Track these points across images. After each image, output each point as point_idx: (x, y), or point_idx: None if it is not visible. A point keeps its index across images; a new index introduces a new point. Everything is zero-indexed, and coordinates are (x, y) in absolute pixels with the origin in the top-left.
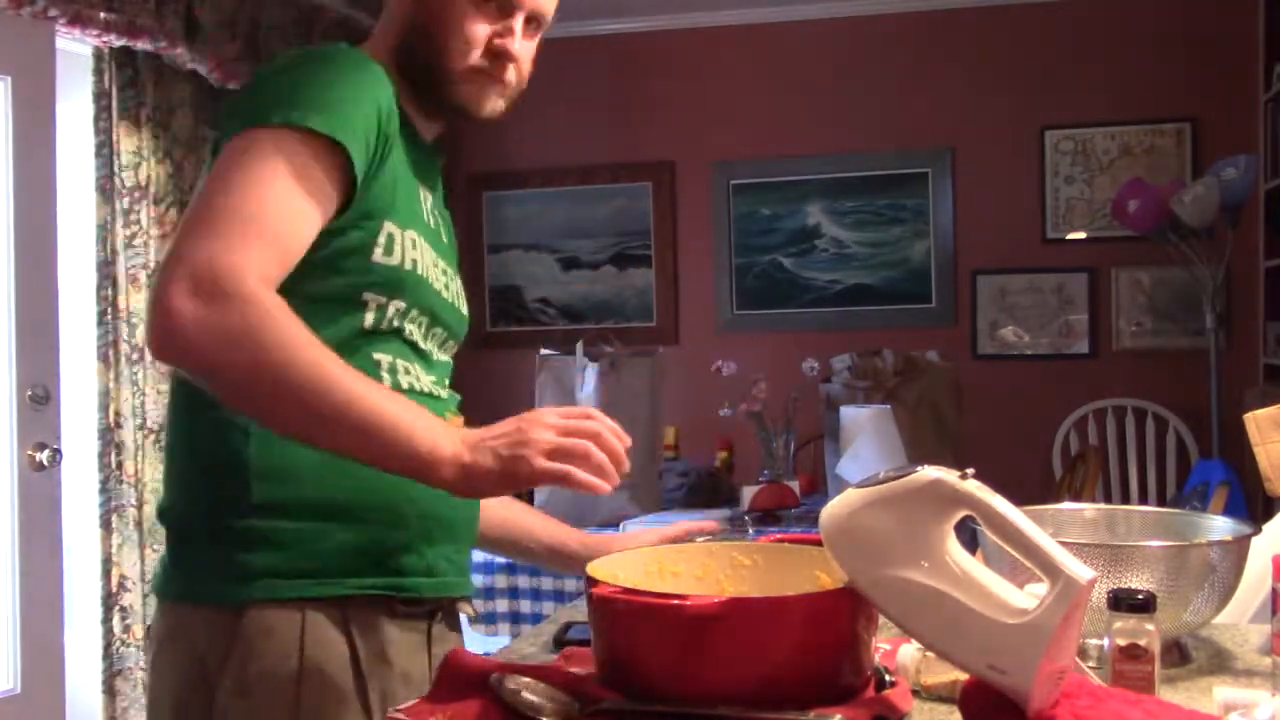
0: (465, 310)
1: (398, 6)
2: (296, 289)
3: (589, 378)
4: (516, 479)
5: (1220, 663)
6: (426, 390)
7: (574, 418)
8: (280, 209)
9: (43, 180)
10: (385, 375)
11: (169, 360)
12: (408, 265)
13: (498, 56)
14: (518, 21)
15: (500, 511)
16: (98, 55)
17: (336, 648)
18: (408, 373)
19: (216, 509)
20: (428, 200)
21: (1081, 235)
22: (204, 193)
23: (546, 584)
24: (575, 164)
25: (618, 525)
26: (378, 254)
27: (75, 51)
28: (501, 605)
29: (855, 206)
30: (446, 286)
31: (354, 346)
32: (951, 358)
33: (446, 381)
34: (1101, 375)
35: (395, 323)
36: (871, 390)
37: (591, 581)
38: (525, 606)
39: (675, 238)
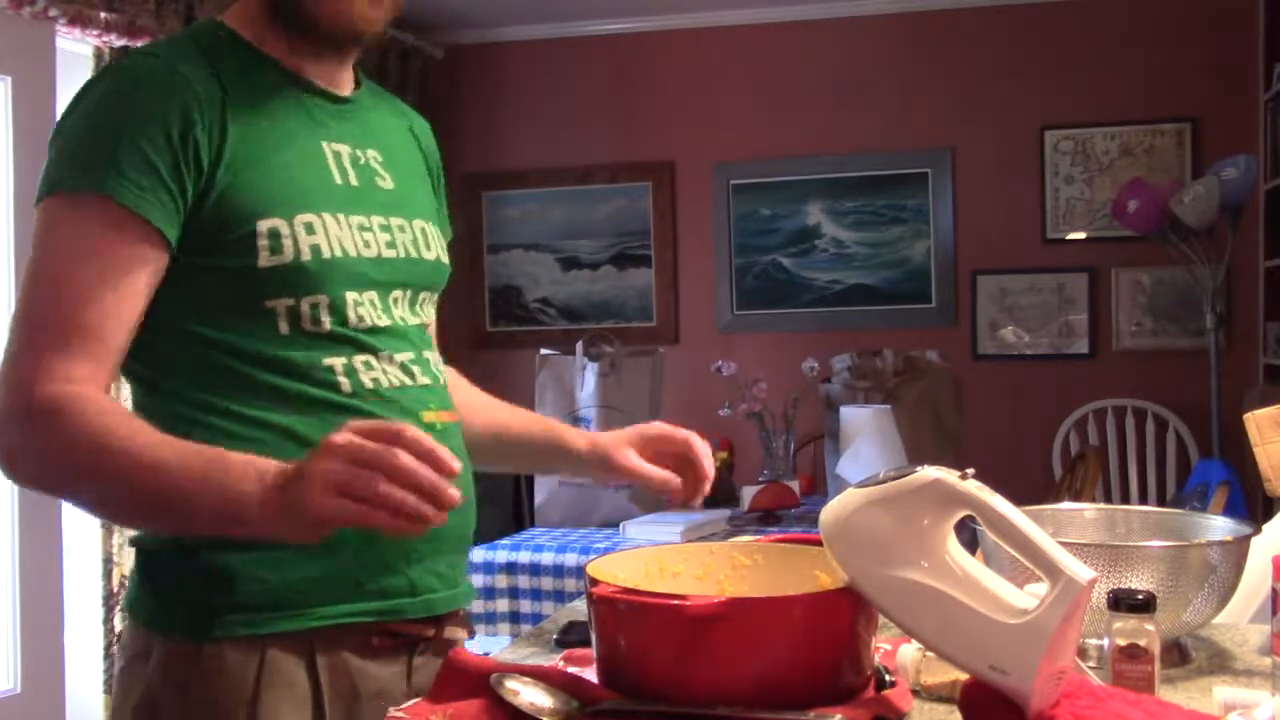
0: (431, 253)
1: None
2: (204, 329)
3: (589, 378)
4: (303, 521)
5: (1220, 663)
6: (396, 383)
7: (375, 437)
8: (77, 298)
9: None
10: (344, 380)
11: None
12: (305, 256)
13: None
14: None
15: (488, 415)
16: (98, 55)
17: (297, 690)
18: (370, 367)
19: (181, 545)
20: (342, 154)
21: (1081, 235)
22: (19, 291)
23: (546, 584)
24: (575, 164)
25: (617, 525)
26: (264, 258)
27: (75, 51)
28: (501, 605)
29: (855, 206)
30: (391, 242)
31: (298, 362)
32: (951, 358)
33: (427, 352)
34: (1101, 375)
35: (327, 320)
36: (871, 390)
37: (591, 581)
38: (525, 606)
39: (675, 238)
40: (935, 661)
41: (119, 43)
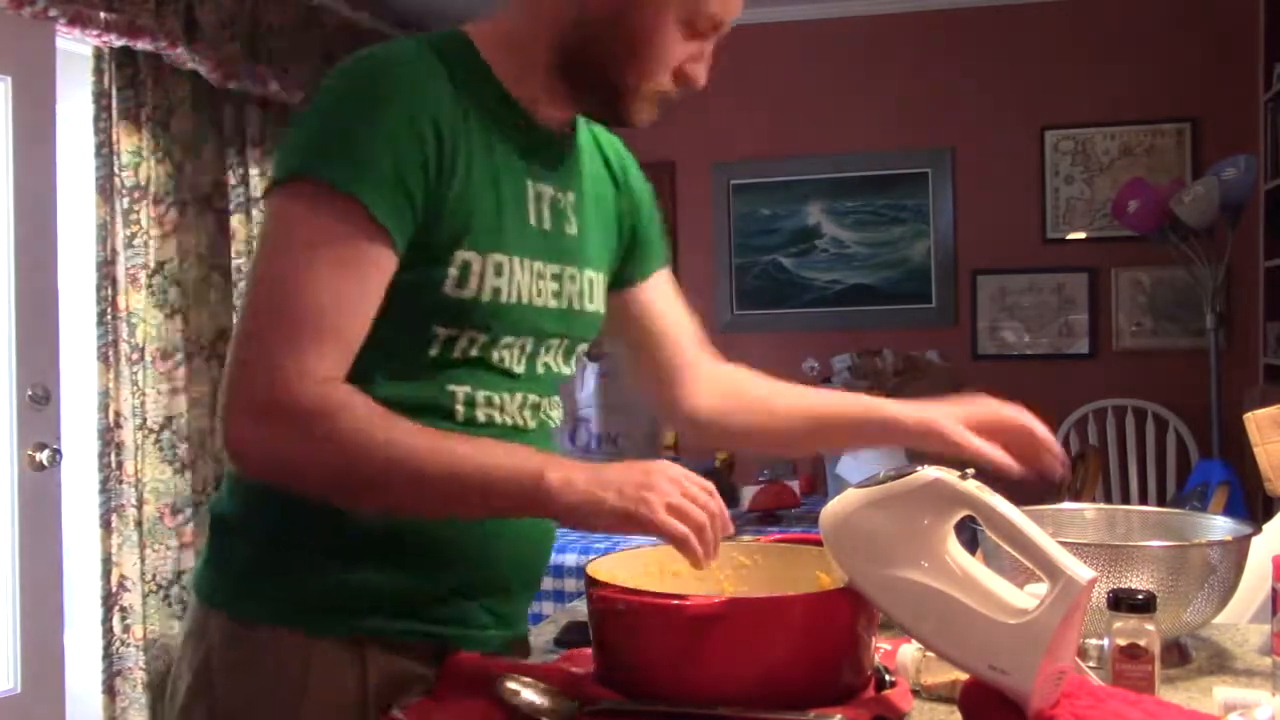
0: (594, 305)
1: (558, 1)
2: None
3: (589, 378)
4: (633, 521)
5: (1220, 663)
6: (510, 423)
7: (697, 486)
8: (329, 297)
9: (43, 180)
10: (460, 408)
11: (253, 479)
12: (486, 296)
13: (683, 79)
14: (710, 44)
15: (792, 402)
16: (98, 55)
17: (345, 680)
18: (490, 404)
19: (256, 526)
20: (543, 196)
21: (1081, 235)
22: (252, 283)
23: (547, 584)
24: None
25: None
26: (448, 287)
27: (75, 51)
28: None
29: (855, 206)
30: (560, 293)
31: (423, 378)
32: (951, 358)
33: (549, 397)
34: (1101, 375)
35: (474, 353)
36: (871, 390)
37: (591, 581)
38: None
39: (675, 238)
40: (935, 661)
41: (119, 43)
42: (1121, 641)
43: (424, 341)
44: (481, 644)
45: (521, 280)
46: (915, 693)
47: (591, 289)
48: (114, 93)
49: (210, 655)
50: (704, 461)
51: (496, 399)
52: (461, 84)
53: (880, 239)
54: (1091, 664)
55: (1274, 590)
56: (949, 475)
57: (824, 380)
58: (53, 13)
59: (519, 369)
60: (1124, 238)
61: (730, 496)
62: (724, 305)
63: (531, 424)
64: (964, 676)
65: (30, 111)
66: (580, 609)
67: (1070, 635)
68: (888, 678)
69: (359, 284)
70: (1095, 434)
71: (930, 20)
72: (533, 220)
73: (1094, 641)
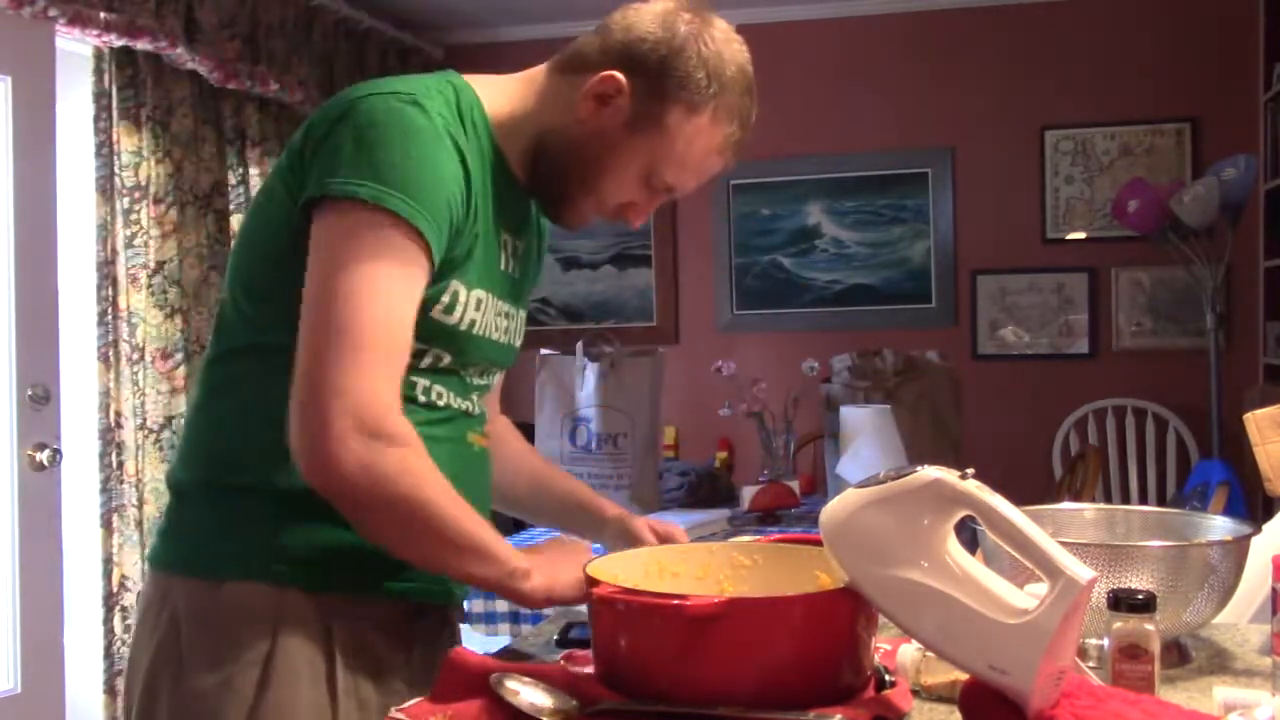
0: (520, 340)
1: (558, 101)
2: None
3: (589, 377)
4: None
5: (1220, 663)
6: (457, 407)
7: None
8: (399, 323)
9: (43, 180)
10: (420, 395)
11: (322, 490)
12: (464, 325)
13: (617, 215)
14: (657, 201)
15: (531, 467)
16: (98, 55)
17: (311, 632)
18: (440, 397)
19: (215, 484)
20: (507, 243)
21: (1081, 235)
22: (329, 299)
23: None
24: None
25: None
26: (436, 311)
27: (75, 51)
28: (501, 605)
29: (855, 206)
30: (506, 330)
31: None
32: (951, 358)
33: (477, 397)
34: (1101, 375)
35: (439, 365)
36: (871, 390)
37: (591, 581)
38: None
39: (675, 237)
40: (935, 661)
41: (119, 43)
42: (1121, 641)
43: None
44: (433, 596)
45: (490, 318)
46: (915, 693)
47: (521, 326)
48: (114, 93)
49: (176, 617)
50: (704, 462)
51: (446, 394)
52: (471, 140)
53: (880, 239)
54: (1091, 664)
55: (1274, 590)
56: (949, 475)
57: (824, 380)
58: (53, 13)
59: (466, 376)
60: (1124, 238)
61: (730, 496)
62: (724, 305)
63: (476, 410)
64: (964, 676)
65: (30, 111)
66: (580, 609)
67: (1070, 635)
68: (888, 678)
69: (414, 307)
70: (1095, 434)
71: (930, 20)
72: (502, 265)
73: (1094, 641)
